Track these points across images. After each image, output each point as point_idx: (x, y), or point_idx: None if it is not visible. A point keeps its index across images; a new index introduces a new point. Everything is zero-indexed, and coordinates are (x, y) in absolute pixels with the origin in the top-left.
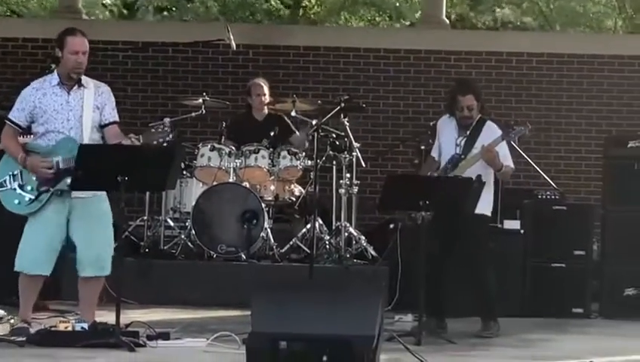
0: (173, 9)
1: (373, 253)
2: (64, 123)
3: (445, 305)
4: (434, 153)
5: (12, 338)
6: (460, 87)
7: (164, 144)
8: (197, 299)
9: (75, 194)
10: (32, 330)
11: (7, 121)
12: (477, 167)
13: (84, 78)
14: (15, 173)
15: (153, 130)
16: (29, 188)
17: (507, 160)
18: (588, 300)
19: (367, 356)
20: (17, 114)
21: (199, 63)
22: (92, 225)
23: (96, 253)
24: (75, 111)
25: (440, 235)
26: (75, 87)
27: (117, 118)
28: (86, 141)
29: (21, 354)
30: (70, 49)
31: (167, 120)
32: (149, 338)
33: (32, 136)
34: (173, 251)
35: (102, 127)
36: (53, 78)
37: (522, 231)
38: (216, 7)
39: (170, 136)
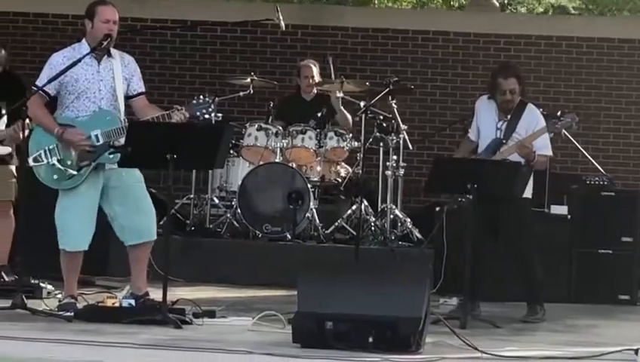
0: None
1: (418, 235)
2: (95, 93)
3: (480, 289)
4: (471, 134)
5: (60, 313)
6: (502, 70)
7: (211, 117)
8: (242, 278)
9: (108, 165)
10: (80, 305)
11: (36, 89)
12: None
13: (111, 49)
14: (51, 147)
15: (195, 102)
16: (68, 162)
17: (546, 149)
18: (635, 287)
19: (413, 338)
20: (47, 83)
21: (248, 43)
22: (130, 192)
23: (141, 219)
24: (105, 81)
25: (486, 219)
26: (105, 57)
27: (144, 89)
28: (122, 112)
29: (69, 328)
30: (101, 17)
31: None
32: (195, 315)
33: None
34: (219, 230)
35: (128, 98)
36: (83, 47)
37: (569, 217)
38: None
39: (212, 107)
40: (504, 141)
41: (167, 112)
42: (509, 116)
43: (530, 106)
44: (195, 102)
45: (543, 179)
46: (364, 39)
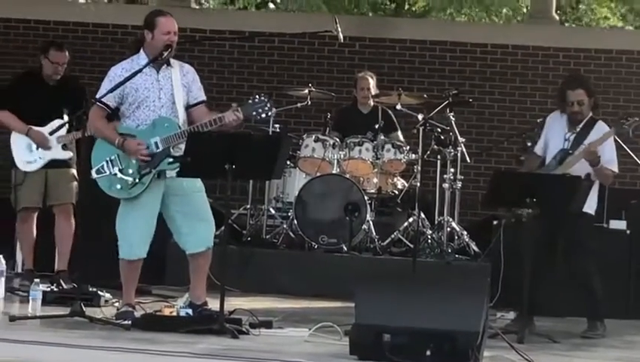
0: (278, 1)
1: (475, 248)
2: (155, 102)
3: (537, 303)
4: (537, 149)
5: (118, 321)
6: (570, 82)
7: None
8: (298, 289)
9: (169, 173)
10: (137, 314)
11: (97, 102)
12: (584, 164)
13: (171, 59)
14: (112, 158)
15: (250, 101)
16: (130, 171)
17: (613, 164)
18: None
19: (471, 351)
20: (107, 94)
21: (305, 54)
22: (191, 201)
23: (201, 227)
24: (165, 90)
25: (544, 233)
26: (164, 66)
27: (204, 98)
28: (181, 120)
29: (126, 337)
30: (162, 29)
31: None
32: (252, 326)
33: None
34: (275, 240)
35: (188, 107)
36: (141, 57)
37: (628, 232)
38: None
39: (269, 106)
40: (571, 152)
41: (221, 115)
42: (578, 129)
43: (601, 123)
44: (250, 101)
45: (602, 194)
46: (421, 51)
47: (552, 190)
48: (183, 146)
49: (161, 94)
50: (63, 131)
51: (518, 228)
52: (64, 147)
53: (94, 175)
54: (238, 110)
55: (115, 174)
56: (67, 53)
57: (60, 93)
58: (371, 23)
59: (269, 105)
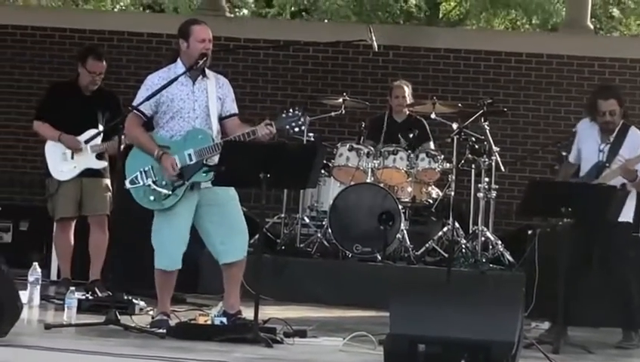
0: (312, 9)
1: (509, 258)
2: (190, 112)
3: (572, 313)
4: (571, 157)
5: (152, 329)
6: (602, 92)
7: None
8: (332, 298)
9: (203, 184)
10: (172, 322)
11: (133, 110)
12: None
13: (206, 69)
14: (146, 169)
15: (284, 115)
16: (163, 183)
17: None
18: None
19: None
20: (143, 102)
21: (339, 63)
22: (224, 210)
23: (235, 237)
24: (200, 101)
25: (579, 243)
26: (200, 77)
27: (237, 111)
28: (215, 131)
29: (161, 345)
30: (197, 37)
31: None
32: (286, 335)
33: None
34: (309, 249)
35: (221, 119)
36: (178, 66)
37: None
38: (351, 7)
39: (302, 120)
40: (607, 165)
41: (253, 128)
42: (611, 138)
43: (634, 129)
44: (284, 115)
45: (638, 202)
46: (456, 60)
47: (588, 199)
48: (216, 158)
49: (196, 105)
50: (98, 140)
51: (552, 238)
52: (98, 156)
53: (128, 185)
54: (272, 124)
55: (149, 185)
56: (105, 63)
57: (95, 102)
58: (405, 32)
59: (302, 118)
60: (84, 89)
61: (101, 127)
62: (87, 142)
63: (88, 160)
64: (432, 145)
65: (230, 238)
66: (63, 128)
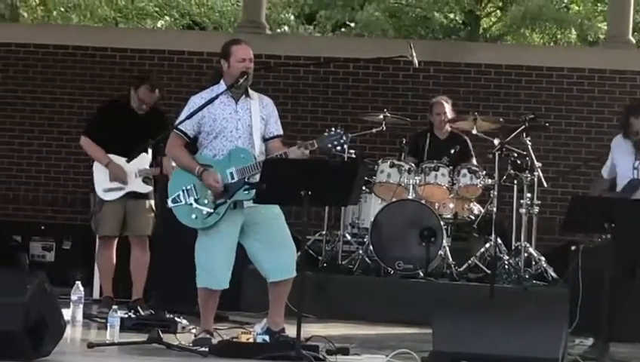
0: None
1: (553, 274)
2: (233, 132)
3: (616, 329)
4: (605, 172)
5: (195, 348)
6: (634, 109)
7: (344, 149)
8: (374, 315)
9: (246, 203)
10: (214, 341)
11: (176, 130)
12: None
13: (249, 89)
14: (188, 187)
15: (326, 134)
16: (205, 201)
17: None
18: None
19: None
20: (186, 122)
21: (380, 79)
22: (270, 228)
23: (281, 255)
24: (243, 120)
25: (623, 259)
26: (242, 96)
27: (281, 132)
28: (257, 151)
29: None
30: (237, 57)
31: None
32: (329, 352)
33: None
34: (351, 266)
35: (265, 140)
36: (220, 87)
37: None
38: (390, 24)
39: (344, 138)
40: None
41: (287, 150)
42: None
43: None
44: (326, 134)
45: None
46: (497, 76)
47: (631, 215)
48: (258, 177)
49: (239, 125)
50: (145, 164)
51: (596, 253)
52: (145, 180)
53: (170, 204)
54: (307, 146)
55: (191, 204)
56: (158, 93)
57: (145, 123)
58: (446, 48)
59: (344, 137)
60: (134, 109)
61: (150, 151)
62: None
63: (134, 183)
64: (474, 161)
65: (278, 257)
66: (111, 147)
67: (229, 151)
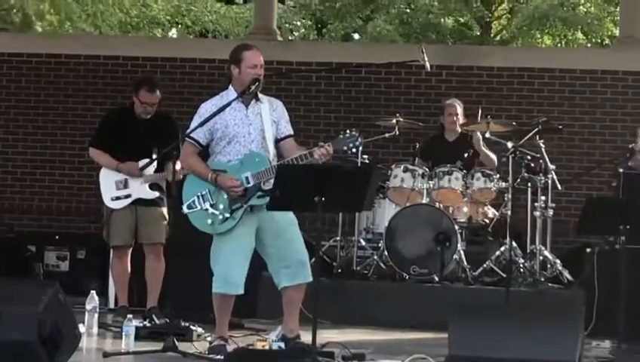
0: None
1: (568, 276)
2: (245, 137)
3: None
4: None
5: (210, 355)
6: None
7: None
8: (390, 320)
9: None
10: (230, 348)
11: (188, 139)
12: None
13: (259, 93)
14: (203, 193)
15: (341, 136)
16: (221, 206)
17: None
18: None
19: None
20: (197, 130)
21: (392, 84)
22: (284, 234)
23: (295, 261)
24: (254, 125)
25: (638, 260)
26: (253, 101)
27: (292, 132)
28: (271, 154)
29: None
30: (248, 63)
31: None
32: (345, 358)
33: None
34: (366, 272)
35: (277, 141)
36: (230, 93)
37: None
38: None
39: (359, 140)
40: None
41: (309, 150)
42: None
43: None
44: (341, 136)
45: None
46: (509, 78)
47: None
48: (272, 181)
49: (251, 129)
50: (151, 170)
51: (611, 255)
52: (151, 186)
53: (185, 210)
54: (329, 145)
55: (207, 209)
56: (159, 93)
57: (152, 129)
58: (458, 51)
59: (359, 139)
60: (138, 116)
61: (154, 156)
62: (141, 169)
63: (140, 190)
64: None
65: (292, 262)
66: (118, 155)
67: (244, 156)
